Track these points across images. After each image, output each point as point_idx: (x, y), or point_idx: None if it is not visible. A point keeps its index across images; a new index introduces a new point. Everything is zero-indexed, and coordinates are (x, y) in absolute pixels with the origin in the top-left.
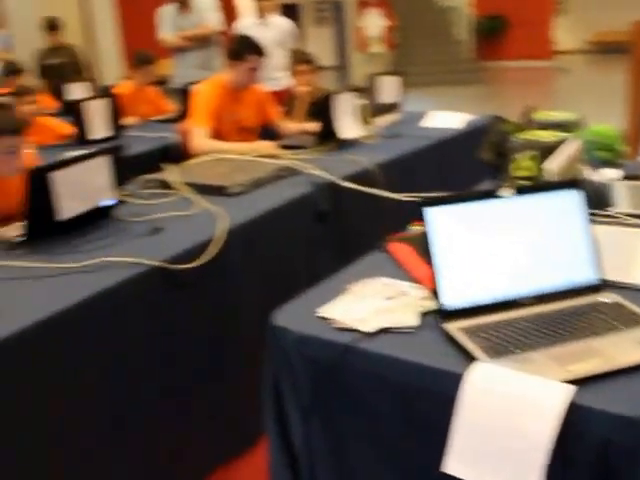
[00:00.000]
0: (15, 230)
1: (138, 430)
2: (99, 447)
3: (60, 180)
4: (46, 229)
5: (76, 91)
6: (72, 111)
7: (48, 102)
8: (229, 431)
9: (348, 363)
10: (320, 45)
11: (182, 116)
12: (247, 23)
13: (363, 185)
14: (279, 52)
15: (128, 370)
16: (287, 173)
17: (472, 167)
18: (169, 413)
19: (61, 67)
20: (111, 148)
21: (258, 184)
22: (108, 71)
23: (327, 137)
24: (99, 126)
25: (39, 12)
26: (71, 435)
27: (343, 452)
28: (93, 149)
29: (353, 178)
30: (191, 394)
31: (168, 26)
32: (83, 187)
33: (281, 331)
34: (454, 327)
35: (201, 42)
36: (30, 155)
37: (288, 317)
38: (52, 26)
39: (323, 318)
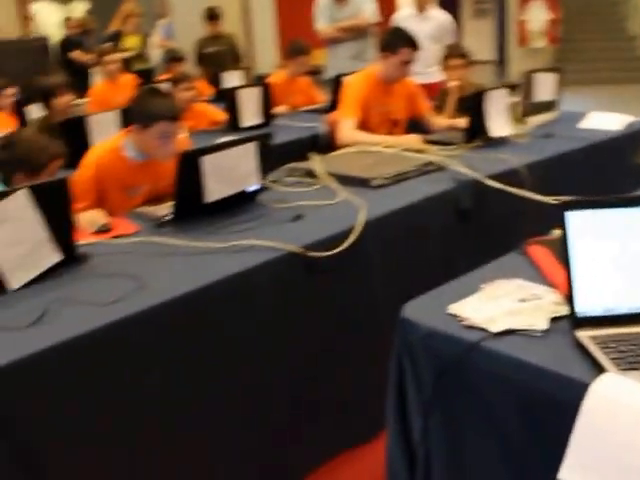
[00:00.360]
0: (164, 209)
1: (264, 408)
2: (231, 422)
3: (209, 164)
4: (193, 210)
5: (231, 79)
6: (226, 98)
7: (204, 89)
8: (353, 419)
9: (473, 361)
10: (478, 38)
11: (332, 107)
12: (405, 15)
13: (508, 185)
14: (434, 46)
15: (258, 350)
16: (431, 168)
17: (628, 172)
18: (295, 395)
19: (218, 55)
20: (260, 135)
21: (401, 178)
22: (263, 60)
23: (476, 134)
24: (251, 114)
25: (201, 2)
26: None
27: (460, 449)
28: (243, 136)
29: (499, 177)
30: (319, 379)
31: (324, 17)
32: (231, 172)
33: (409, 324)
34: (585, 335)
35: (356, 33)
36: (183, 139)
37: (418, 311)
38: (212, 15)
39: (453, 315)
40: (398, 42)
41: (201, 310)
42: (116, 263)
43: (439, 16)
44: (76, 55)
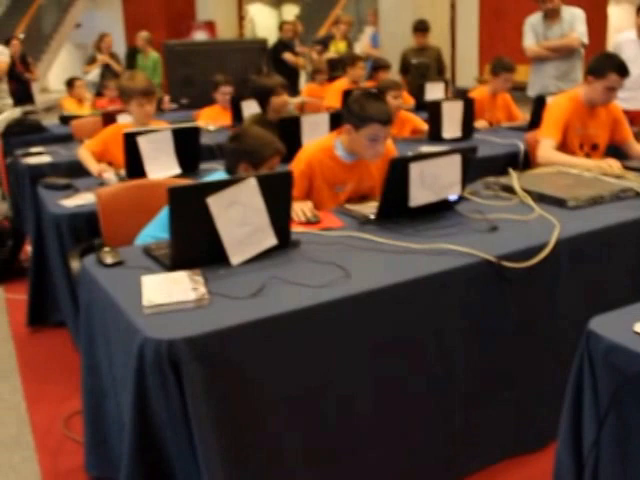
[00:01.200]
0: (369, 208)
1: (441, 408)
2: (408, 414)
3: (417, 170)
4: (397, 211)
5: (434, 90)
6: (430, 109)
7: (405, 98)
8: (523, 428)
9: None
10: None
11: (532, 125)
12: (626, 39)
13: None
14: None
15: (441, 350)
16: (628, 195)
17: None
18: (471, 397)
19: (423, 66)
20: (466, 149)
21: (597, 201)
22: (463, 74)
23: None
24: (452, 126)
25: (411, 14)
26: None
27: (631, 465)
28: (444, 147)
29: None
30: (496, 383)
31: (533, 34)
32: (436, 180)
33: (594, 337)
34: None
35: (564, 53)
36: (389, 144)
37: (604, 325)
38: (422, 28)
39: (638, 333)
40: (607, 67)
41: (398, 303)
42: (324, 252)
43: None
44: (288, 57)
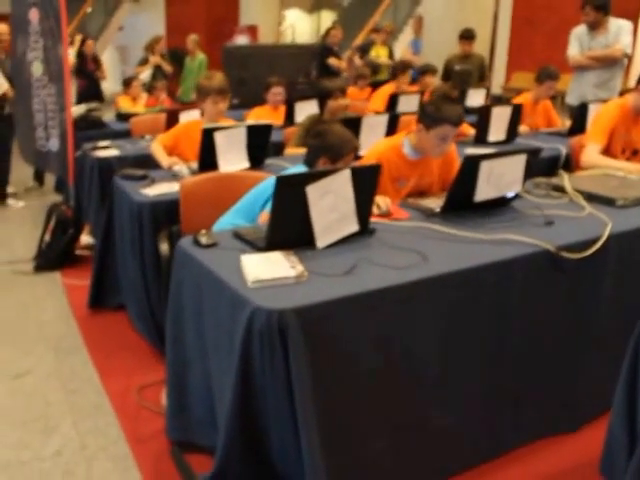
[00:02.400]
0: (432, 203)
1: (498, 376)
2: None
3: (486, 168)
4: (460, 205)
5: (474, 97)
6: (479, 113)
7: None
8: (561, 409)
9: None
10: None
11: (573, 131)
12: None
13: None
14: None
15: (500, 326)
16: None
17: None
18: (523, 369)
19: (464, 73)
20: (532, 149)
21: None
22: (494, 79)
23: None
24: (498, 130)
25: (453, 23)
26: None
27: None
28: (489, 149)
29: None
30: (543, 362)
31: (578, 44)
32: (500, 177)
33: None
34: None
35: (607, 63)
36: (451, 145)
37: None
38: (468, 36)
39: None
40: None
41: (468, 286)
42: (398, 240)
43: None
44: (332, 61)
